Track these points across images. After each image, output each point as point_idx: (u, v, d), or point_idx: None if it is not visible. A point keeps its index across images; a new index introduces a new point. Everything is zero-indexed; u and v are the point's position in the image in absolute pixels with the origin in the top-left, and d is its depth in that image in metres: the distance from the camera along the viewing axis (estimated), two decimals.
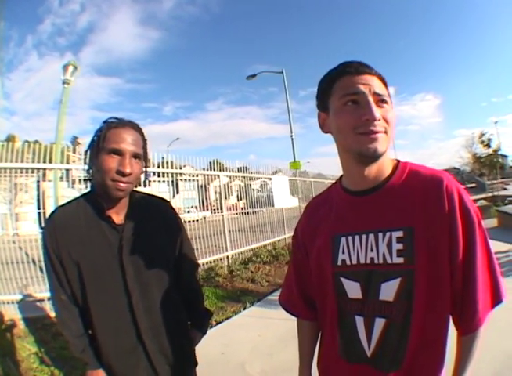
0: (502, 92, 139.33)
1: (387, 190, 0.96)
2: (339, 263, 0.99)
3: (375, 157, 0.91)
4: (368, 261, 0.94)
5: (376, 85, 0.91)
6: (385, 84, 0.96)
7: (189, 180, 10.24)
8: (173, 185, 8.75)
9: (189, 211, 9.82)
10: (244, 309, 4.97)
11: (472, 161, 25.65)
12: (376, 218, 0.95)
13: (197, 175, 8.61)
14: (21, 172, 5.29)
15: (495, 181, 18.33)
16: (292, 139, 15.05)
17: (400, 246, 0.89)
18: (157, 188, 8.30)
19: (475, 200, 15.37)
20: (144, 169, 1.39)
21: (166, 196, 8.73)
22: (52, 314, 4.26)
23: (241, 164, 9.46)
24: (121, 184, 1.25)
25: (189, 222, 8.50)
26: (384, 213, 0.94)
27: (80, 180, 5.30)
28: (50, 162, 4.85)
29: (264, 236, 9.26)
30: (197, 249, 7.30)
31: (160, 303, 1.37)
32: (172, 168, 7.33)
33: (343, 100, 0.92)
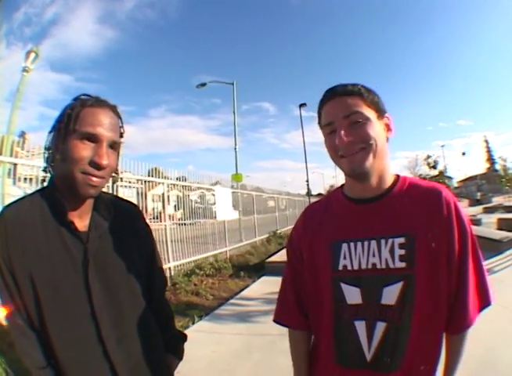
0: (451, 117, 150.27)
1: (390, 199, 1.01)
2: (340, 268, 1.01)
3: (359, 174, 0.98)
4: (370, 266, 0.98)
5: (346, 106, 0.97)
6: (361, 96, 0.98)
7: (129, 187, 9.92)
8: (112, 190, 8.41)
9: None
10: (193, 323, 4.82)
11: None
12: (379, 225, 0.99)
13: (137, 181, 8.32)
14: None
15: None
16: (236, 152, 15.18)
17: (402, 251, 0.94)
18: None
19: None
20: (118, 163, 1.13)
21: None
22: (4, 322, 3.91)
23: (179, 173, 9.27)
24: (94, 179, 1.01)
25: None
26: (387, 221, 0.99)
27: (25, 179, 4.86)
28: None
29: (205, 247, 9.13)
30: None
31: (135, 331, 1.15)
32: None
33: (325, 130, 1.02)
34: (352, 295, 1.00)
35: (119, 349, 1.07)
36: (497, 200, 33.94)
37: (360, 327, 0.99)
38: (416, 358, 0.96)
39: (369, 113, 0.98)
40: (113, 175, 1.13)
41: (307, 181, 24.42)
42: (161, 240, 7.49)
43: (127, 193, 9.86)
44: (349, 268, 1.00)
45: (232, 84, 16.72)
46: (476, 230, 9.14)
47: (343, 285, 1.01)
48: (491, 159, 78.07)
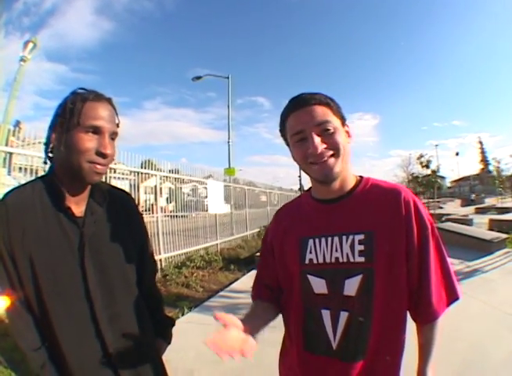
0: (446, 117, 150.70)
1: (351, 200, 1.10)
2: (306, 262, 1.10)
3: (329, 180, 1.06)
4: (333, 260, 1.06)
5: (317, 115, 1.02)
6: (328, 105, 1.05)
7: (122, 178, 9.87)
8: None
9: None
10: (183, 314, 4.86)
11: (407, 180, 26.54)
12: (341, 223, 1.08)
13: (130, 173, 8.28)
14: None
15: (431, 200, 19.35)
16: (229, 146, 15.16)
17: (361, 247, 1.03)
18: None
19: None
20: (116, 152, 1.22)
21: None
22: None
23: (173, 166, 9.25)
24: (99, 166, 1.10)
25: None
26: (348, 219, 1.07)
27: (20, 168, 4.79)
28: None
29: (196, 240, 9.16)
30: None
31: (126, 311, 1.21)
32: None
33: (293, 139, 1.07)
34: (319, 286, 1.08)
35: (111, 329, 1.13)
36: (490, 201, 34.23)
37: (326, 315, 1.07)
38: (379, 347, 1.03)
39: (336, 121, 1.05)
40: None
41: (299, 176, 24.50)
42: (153, 232, 7.47)
43: (119, 185, 9.83)
44: (315, 261, 1.09)
45: (228, 78, 16.75)
46: (467, 230, 9.37)
47: (310, 277, 1.09)
48: (485, 160, 78.76)
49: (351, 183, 1.12)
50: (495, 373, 2.87)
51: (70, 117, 1.07)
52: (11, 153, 4.69)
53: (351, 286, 1.03)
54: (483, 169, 75.53)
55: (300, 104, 1.05)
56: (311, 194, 1.20)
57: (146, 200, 9.78)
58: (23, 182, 1.21)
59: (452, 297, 1.08)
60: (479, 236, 8.67)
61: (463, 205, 32.68)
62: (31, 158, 4.77)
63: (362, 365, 1.03)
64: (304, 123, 1.03)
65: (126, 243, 1.25)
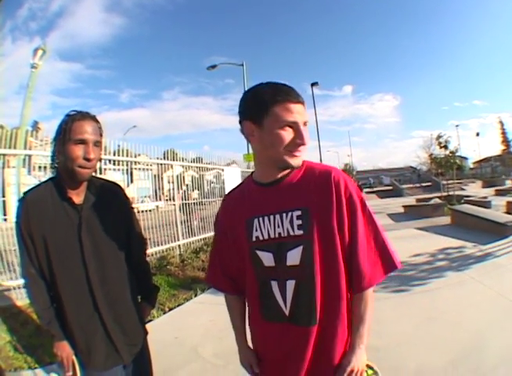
0: (466, 97, 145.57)
1: (288, 181, 1.22)
2: (253, 239, 1.24)
3: (295, 168, 1.20)
4: (276, 235, 1.19)
5: (305, 113, 1.16)
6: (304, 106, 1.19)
7: (144, 169, 10.06)
8: (127, 174, 8.60)
9: (142, 201, 9.64)
10: (195, 296, 5.16)
11: (429, 161, 25.46)
12: (281, 202, 1.21)
13: (151, 164, 8.50)
14: None
15: (451, 181, 18.73)
16: None
17: (299, 222, 1.16)
18: (112, 176, 8.06)
19: (429, 199, 16.05)
20: (101, 154, 1.59)
21: (120, 185, 8.30)
22: (19, 303, 4.24)
23: (195, 154, 9.36)
24: (86, 169, 1.47)
25: (143, 211, 8.42)
26: (287, 198, 1.20)
27: (40, 167, 5.12)
28: (14, 148, 4.64)
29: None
30: (150, 239, 7.24)
31: (114, 275, 1.57)
32: (128, 156, 7.16)
33: (279, 125, 1.11)
34: (267, 259, 1.22)
35: (100, 287, 1.51)
36: (511, 182, 32.98)
37: (274, 286, 1.21)
38: (327, 312, 1.17)
39: None
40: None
41: (320, 160, 24.34)
42: (172, 220, 7.82)
43: (142, 176, 10.06)
44: (261, 238, 1.23)
45: (242, 65, 16.91)
46: (483, 213, 9.21)
47: (258, 252, 1.24)
48: (506, 141, 75.39)
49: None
50: (493, 365, 2.75)
51: (64, 134, 1.44)
52: (30, 155, 5.03)
53: (294, 256, 1.17)
54: (504, 150, 71.58)
55: (297, 98, 1.14)
56: (254, 179, 1.32)
57: (169, 190, 9.97)
58: (43, 179, 1.68)
59: (388, 266, 1.20)
60: (493, 219, 8.33)
61: (484, 187, 31.73)
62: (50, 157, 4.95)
63: (317, 329, 1.16)
64: (298, 117, 1.12)
65: (115, 222, 1.62)
